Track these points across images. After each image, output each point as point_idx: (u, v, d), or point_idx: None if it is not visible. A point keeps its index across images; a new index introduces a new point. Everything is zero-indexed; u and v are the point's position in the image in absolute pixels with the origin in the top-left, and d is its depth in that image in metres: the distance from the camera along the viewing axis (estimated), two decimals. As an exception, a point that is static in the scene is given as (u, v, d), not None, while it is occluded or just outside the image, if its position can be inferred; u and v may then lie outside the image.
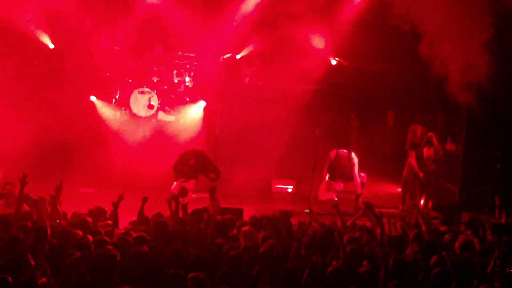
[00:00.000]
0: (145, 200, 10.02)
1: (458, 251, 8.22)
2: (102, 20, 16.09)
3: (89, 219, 9.26)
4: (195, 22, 16.57)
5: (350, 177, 14.17)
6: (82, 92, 16.03)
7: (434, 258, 7.68)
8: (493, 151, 13.94)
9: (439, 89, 16.52)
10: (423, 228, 9.33)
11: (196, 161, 13.70)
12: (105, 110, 16.18)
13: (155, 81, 16.40)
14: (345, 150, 14.46)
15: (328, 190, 14.07)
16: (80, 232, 8.44)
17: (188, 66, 16.67)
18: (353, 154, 14.34)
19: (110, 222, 9.48)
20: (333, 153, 14.29)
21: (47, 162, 15.52)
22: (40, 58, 16.42)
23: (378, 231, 9.22)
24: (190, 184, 13.29)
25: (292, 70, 16.36)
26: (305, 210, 10.65)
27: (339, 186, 14.12)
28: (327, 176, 14.33)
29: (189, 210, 11.88)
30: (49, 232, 8.29)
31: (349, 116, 17.24)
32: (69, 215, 9.97)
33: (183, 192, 13.01)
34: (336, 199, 13.84)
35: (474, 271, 7.57)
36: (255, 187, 15.71)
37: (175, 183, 13.30)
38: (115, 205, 9.55)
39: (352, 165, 14.15)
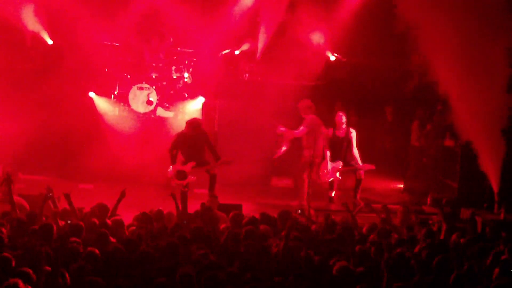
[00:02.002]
0: (123, 194, 9.94)
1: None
2: (100, 15, 16.06)
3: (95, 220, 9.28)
4: (194, 17, 16.55)
5: (349, 155, 14.03)
6: (80, 88, 16.01)
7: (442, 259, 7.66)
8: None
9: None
10: (444, 227, 9.33)
11: (196, 134, 13.02)
12: (104, 106, 16.16)
13: (154, 77, 16.37)
14: (340, 114, 14.22)
15: (329, 171, 13.96)
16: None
17: (186, 62, 16.65)
18: (351, 129, 14.18)
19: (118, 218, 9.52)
20: (330, 131, 14.17)
21: (46, 158, 15.52)
22: (39, 53, 16.41)
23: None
24: (188, 167, 12.98)
25: (291, 66, 16.34)
26: (298, 211, 10.61)
27: (338, 164, 13.99)
28: (328, 156, 14.15)
29: (188, 206, 11.92)
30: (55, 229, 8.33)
31: (348, 112, 17.19)
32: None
33: (181, 175, 12.85)
34: (340, 178, 13.94)
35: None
36: (254, 183, 15.70)
37: (171, 167, 12.96)
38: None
39: (350, 139, 14.03)
